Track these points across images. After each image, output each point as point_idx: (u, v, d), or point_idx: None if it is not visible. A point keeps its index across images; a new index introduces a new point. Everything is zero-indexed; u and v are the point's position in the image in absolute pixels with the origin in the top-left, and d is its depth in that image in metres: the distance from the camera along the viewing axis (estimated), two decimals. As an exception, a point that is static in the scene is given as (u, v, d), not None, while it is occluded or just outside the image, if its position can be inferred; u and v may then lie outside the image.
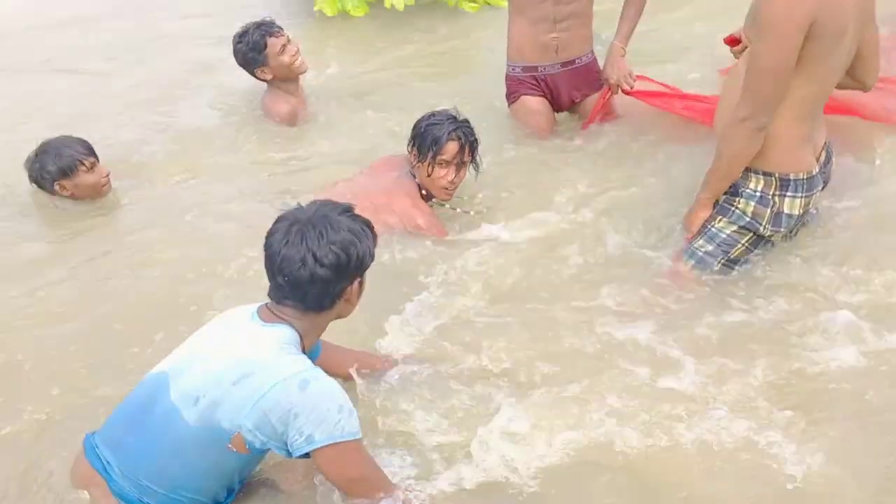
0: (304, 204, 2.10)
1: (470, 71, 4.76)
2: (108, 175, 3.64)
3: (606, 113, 3.80)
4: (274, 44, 3.97)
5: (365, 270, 2.11)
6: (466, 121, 3.19)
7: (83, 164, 3.53)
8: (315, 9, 5.61)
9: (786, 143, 2.57)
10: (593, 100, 3.83)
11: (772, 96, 2.44)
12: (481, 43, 5.16)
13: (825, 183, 2.82)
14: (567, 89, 3.79)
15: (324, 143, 4.03)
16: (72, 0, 6.86)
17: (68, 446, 2.21)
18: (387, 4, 5.46)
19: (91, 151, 3.59)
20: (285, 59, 3.99)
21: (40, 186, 3.58)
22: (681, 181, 3.27)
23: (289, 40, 4.05)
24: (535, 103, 3.78)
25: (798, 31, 2.32)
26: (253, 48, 3.96)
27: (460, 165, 3.19)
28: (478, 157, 3.25)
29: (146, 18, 6.19)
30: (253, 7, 5.96)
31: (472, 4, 5.58)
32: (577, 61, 3.74)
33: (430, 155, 3.11)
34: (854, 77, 2.70)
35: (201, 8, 6.29)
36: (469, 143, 3.17)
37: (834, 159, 2.87)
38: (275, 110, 4.10)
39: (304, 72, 4.16)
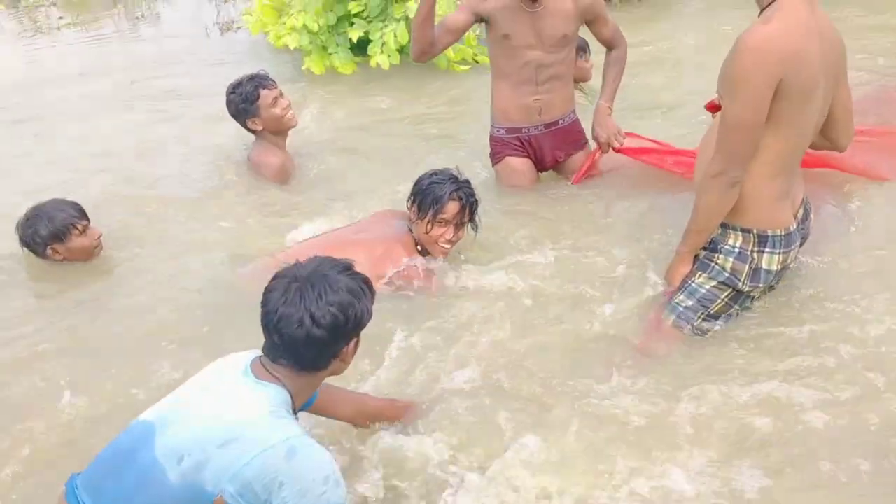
0: (302, 260, 2.06)
1: (457, 128, 4.80)
2: (100, 237, 3.60)
3: (591, 170, 3.83)
4: (266, 95, 4.02)
5: (362, 330, 2.07)
6: (467, 181, 3.21)
7: (76, 228, 3.48)
8: (303, 67, 5.71)
9: (763, 200, 2.60)
10: (577, 158, 3.86)
11: (743, 152, 2.47)
12: (468, 100, 5.23)
13: (804, 239, 2.86)
14: (550, 149, 3.82)
15: (313, 197, 4.03)
16: (56, 59, 7.02)
17: (53, 489, 2.18)
18: (372, 63, 5.57)
19: (83, 214, 3.55)
20: (277, 111, 4.05)
21: (32, 251, 3.53)
22: (665, 234, 3.30)
23: (281, 94, 4.10)
24: (518, 164, 3.82)
25: (766, 88, 2.35)
26: (245, 99, 4.01)
27: (459, 225, 3.19)
28: (477, 218, 3.26)
29: (133, 77, 6.29)
30: (241, 67, 6.11)
31: (464, 67, 5.69)
32: (560, 122, 3.78)
33: (430, 212, 3.12)
34: (827, 137, 2.74)
35: (188, 68, 6.39)
36: (469, 204, 3.19)
37: (812, 215, 2.91)
38: (265, 163, 4.13)
39: (294, 125, 4.19)
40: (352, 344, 2.05)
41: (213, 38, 7.22)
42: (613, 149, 3.65)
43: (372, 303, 2.07)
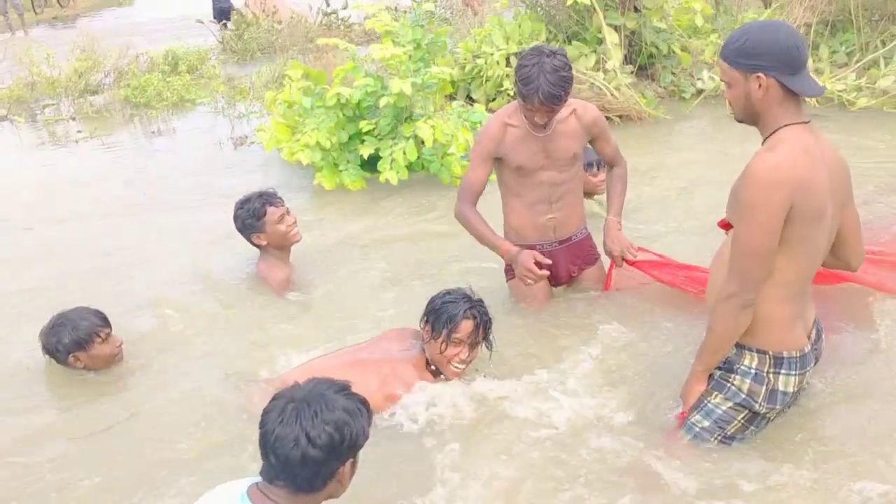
0: (300, 382, 2.10)
1: (464, 243, 4.88)
2: (121, 345, 3.65)
3: (607, 286, 3.86)
4: (273, 212, 4.13)
5: (358, 450, 2.08)
6: (481, 300, 3.21)
7: (99, 336, 3.54)
8: (314, 183, 5.86)
9: (778, 322, 2.62)
10: (590, 273, 3.91)
11: (756, 275, 2.51)
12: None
13: (816, 359, 2.88)
14: (565, 264, 3.86)
15: (322, 313, 4.08)
16: (72, 170, 7.23)
17: None
18: (381, 179, 5.72)
19: (106, 322, 3.61)
20: (282, 227, 4.15)
21: (54, 358, 3.57)
22: (679, 353, 3.32)
23: (287, 211, 4.22)
24: None
25: (778, 215, 2.40)
26: (252, 215, 4.12)
27: (474, 345, 3.18)
28: (491, 337, 3.25)
29: (146, 189, 6.46)
30: (253, 180, 6.28)
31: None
32: (573, 238, 3.84)
33: (444, 332, 3.09)
34: (839, 257, 2.79)
35: (201, 181, 6.55)
36: (483, 323, 3.18)
37: (824, 335, 2.94)
38: (271, 277, 4.21)
39: (298, 241, 4.29)
40: (348, 464, 2.05)
41: (227, 151, 7.43)
42: (627, 262, 3.69)
43: (369, 423, 2.09)
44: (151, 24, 15.83)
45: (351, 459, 2.06)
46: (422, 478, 2.82)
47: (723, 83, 2.62)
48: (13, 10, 17.23)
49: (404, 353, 3.23)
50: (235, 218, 4.20)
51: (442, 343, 3.12)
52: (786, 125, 2.48)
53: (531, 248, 3.76)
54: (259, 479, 2.08)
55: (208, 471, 2.92)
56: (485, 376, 3.31)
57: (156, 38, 13.28)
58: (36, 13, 19.19)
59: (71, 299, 3.84)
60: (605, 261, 3.87)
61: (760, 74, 2.44)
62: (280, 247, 4.24)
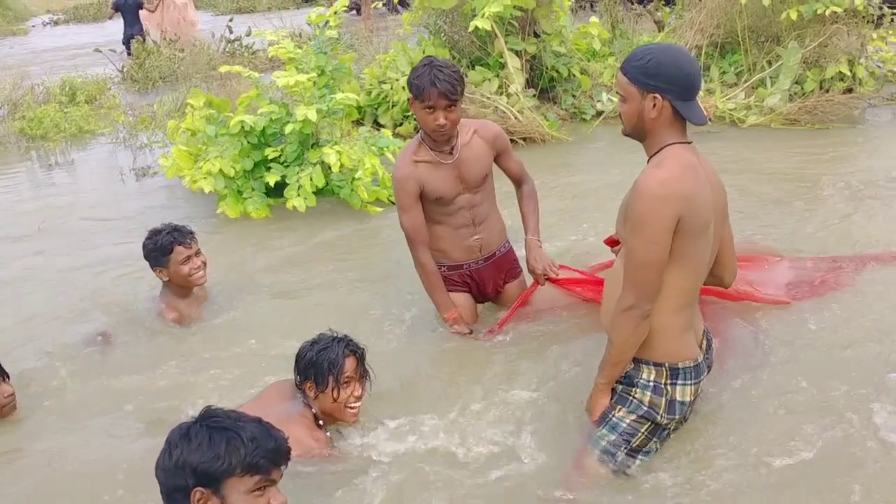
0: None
1: (373, 269, 4.89)
2: (12, 394, 3.47)
3: (523, 304, 3.89)
4: (179, 252, 4.03)
5: (203, 478, 2.04)
6: (347, 335, 3.16)
7: None
8: (218, 211, 5.78)
9: (670, 333, 2.72)
10: (513, 288, 3.97)
11: (651, 286, 2.60)
12: (384, 240, 5.34)
13: (709, 368, 2.99)
14: (492, 280, 3.93)
15: (224, 349, 3.99)
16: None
17: None
18: (289, 206, 5.68)
19: (0, 371, 3.45)
20: (185, 269, 4.06)
21: None
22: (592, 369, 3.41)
23: (197, 253, 4.12)
24: (460, 299, 3.88)
25: (667, 226, 2.51)
26: (159, 249, 4.02)
27: (361, 378, 3.13)
28: (367, 366, 3.19)
29: (41, 223, 6.24)
30: (160, 207, 6.14)
31: (377, 208, 5.84)
32: (497, 253, 3.91)
33: (331, 379, 3.01)
34: (713, 274, 2.90)
35: (101, 214, 6.39)
36: (361, 354, 3.14)
37: (714, 345, 3.06)
38: (167, 315, 4.15)
39: (200, 284, 4.21)
40: (198, 493, 2.04)
41: (129, 183, 7.25)
42: (549, 279, 3.76)
43: (225, 462, 2.03)
44: (47, 53, 15.34)
45: (197, 487, 2.05)
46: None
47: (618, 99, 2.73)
48: None
49: (290, 411, 3.06)
50: (143, 246, 4.10)
51: (333, 391, 3.03)
52: (670, 144, 2.61)
53: (458, 267, 3.86)
54: None
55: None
56: (380, 420, 3.28)
57: (52, 68, 12.88)
58: (-78, 44, 18.40)
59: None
60: (528, 278, 3.91)
61: (657, 95, 2.56)
62: (180, 286, 4.16)
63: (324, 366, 3.02)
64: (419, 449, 3.11)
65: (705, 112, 2.69)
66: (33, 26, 21.42)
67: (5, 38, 21.08)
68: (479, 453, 3.08)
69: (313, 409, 3.08)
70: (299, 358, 3.09)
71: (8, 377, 3.48)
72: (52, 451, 3.27)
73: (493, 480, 2.93)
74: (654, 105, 2.57)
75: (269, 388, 3.25)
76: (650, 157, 2.66)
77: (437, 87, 3.42)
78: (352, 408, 3.10)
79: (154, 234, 4.09)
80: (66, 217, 6.35)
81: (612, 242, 3.18)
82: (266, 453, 2.09)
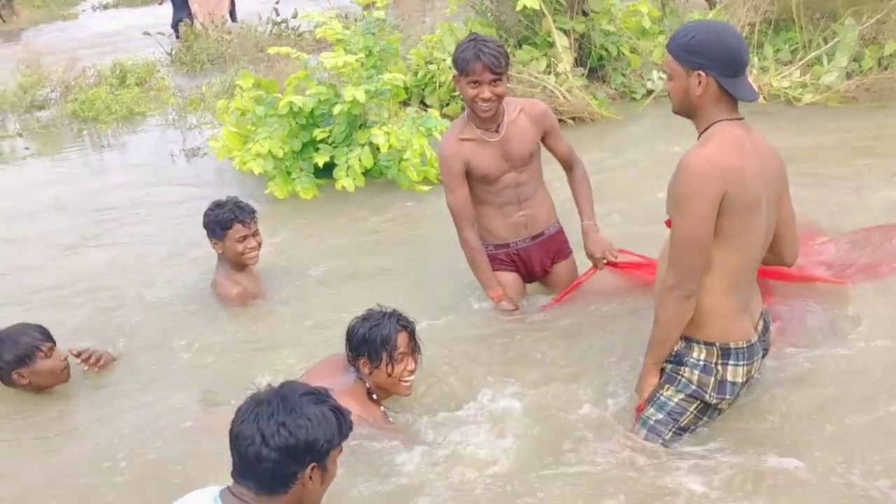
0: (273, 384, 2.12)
1: (422, 247, 4.90)
2: (66, 359, 3.56)
3: (574, 289, 3.84)
4: (238, 229, 4.07)
5: (323, 457, 2.05)
6: (395, 310, 3.17)
7: (41, 351, 3.46)
8: (266, 192, 5.82)
9: (722, 313, 2.68)
10: (562, 268, 3.94)
11: (694, 266, 2.57)
12: (433, 219, 5.31)
13: (765, 350, 2.95)
14: (539, 259, 3.90)
15: (280, 328, 4.04)
16: (21, 189, 7.07)
17: None
18: (338, 186, 5.70)
19: (48, 336, 3.53)
20: (239, 247, 4.10)
21: None
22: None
23: (255, 234, 4.15)
24: (507, 278, 3.87)
25: (710, 204, 2.48)
26: (218, 222, 4.07)
27: (414, 352, 3.16)
28: (418, 339, 3.21)
29: (97, 205, 6.35)
30: (207, 192, 6.21)
31: (425, 187, 5.84)
32: (545, 232, 3.88)
33: (384, 355, 3.03)
34: (774, 253, 2.86)
35: (154, 195, 6.47)
36: (412, 328, 3.16)
37: (772, 327, 3.00)
38: (224, 293, 4.17)
39: (252, 264, 4.24)
40: (309, 469, 2.03)
41: (179, 164, 7.34)
42: (608, 264, 3.72)
43: (339, 433, 2.07)
44: (97, 37, 15.56)
45: (314, 465, 2.04)
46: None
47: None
48: (-46, 27, 16.86)
49: (342, 387, 3.06)
50: (205, 215, 4.16)
51: (387, 366, 3.05)
52: (719, 121, 2.56)
53: (505, 245, 3.84)
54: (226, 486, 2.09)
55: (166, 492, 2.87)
56: (428, 399, 3.31)
57: (102, 51, 13.08)
58: (-22, 28, 18.76)
59: (23, 317, 3.76)
60: (583, 262, 3.87)
61: (701, 72, 2.52)
62: (233, 262, 4.19)
63: (377, 342, 3.04)
64: (466, 430, 3.12)
65: (758, 90, 2.63)
66: (83, 10, 21.68)
67: (56, 22, 21.45)
68: (525, 432, 3.08)
69: (367, 384, 3.11)
70: (351, 334, 3.11)
71: (54, 342, 3.55)
72: (105, 423, 3.35)
73: (538, 460, 2.93)
74: (699, 82, 2.54)
75: (323, 362, 3.30)
76: (699, 136, 2.62)
77: (481, 60, 3.40)
78: (405, 381, 3.12)
79: (217, 206, 4.14)
80: (119, 197, 6.45)
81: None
82: (351, 424, 2.16)
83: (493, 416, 3.18)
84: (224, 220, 4.06)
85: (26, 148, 8.45)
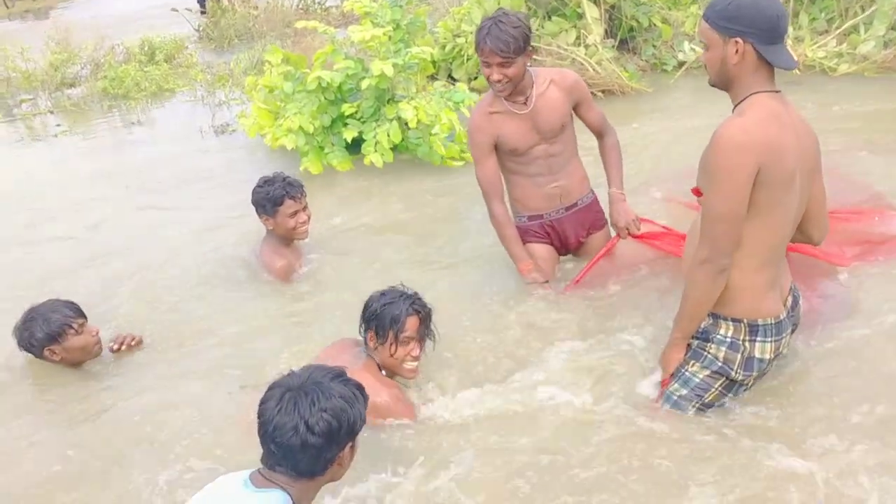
0: (295, 370, 2.14)
1: (453, 221, 4.89)
2: (97, 334, 3.61)
3: (604, 255, 3.82)
4: (289, 205, 4.13)
5: (356, 435, 2.12)
6: (417, 294, 3.17)
7: (71, 328, 3.50)
8: (301, 168, 5.82)
9: (751, 290, 2.65)
10: (597, 238, 3.91)
11: (727, 241, 2.53)
12: (465, 194, 5.29)
13: (794, 326, 2.91)
14: (573, 230, 3.89)
15: (319, 301, 4.06)
16: (53, 165, 7.14)
17: None
18: (366, 161, 5.69)
19: (79, 312, 3.58)
20: (290, 222, 4.16)
21: (30, 353, 3.54)
22: (664, 321, 3.32)
23: (304, 208, 4.21)
24: (540, 250, 3.87)
25: (745, 178, 2.43)
26: (270, 199, 4.11)
27: (422, 339, 3.14)
28: (432, 327, 3.21)
29: (128, 181, 6.39)
30: (238, 168, 6.22)
31: (456, 163, 5.82)
32: (579, 202, 3.86)
33: (391, 335, 3.03)
34: (802, 231, 2.81)
35: (185, 171, 6.51)
36: (426, 315, 3.14)
37: (801, 302, 2.96)
38: (270, 265, 4.21)
39: (303, 239, 4.32)
40: (347, 448, 2.10)
41: (209, 140, 7.36)
42: (631, 235, 3.71)
43: (365, 408, 2.13)
44: (125, 14, 15.61)
45: (350, 444, 2.10)
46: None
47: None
48: (-16, 5, 16.98)
49: (354, 362, 3.10)
50: (255, 192, 4.19)
51: (391, 346, 3.05)
52: (756, 93, 2.50)
53: (538, 217, 3.83)
54: (254, 470, 2.12)
55: (199, 471, 2.90)
56: (450, 375, 3.31)
57: (131, 28, 13.12)
58: (7, 7, 18.86)
59: (53, 293, 3.79)
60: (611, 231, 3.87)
61: (739, 40, 2.47)
62: (283, 237, 4.24)
63: (386, 320, 3.04)
64: (486, 403, 3.14)
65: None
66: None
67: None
68: (549, 407, 3.09)
69: (376, 360, 3.12)
70: (366, 307, 3.13)
71: (85, 318, 3.60)
72: (142, 398, 3.38)
73: (559, 437, 2.93)
74: (737, 50, 2.48)
75: (335, 344, 3.31)
76: (735, 107, 2.57)
77: (487, 43, 3.38)
78: (408, 365, 3.12)
79: (267, 183, 4.17)
80: (149, 174, 6.50)
81: (699, 192, 3.08)
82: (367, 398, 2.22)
83: (514, 391, 3.19)
84: (276, 196, 4.10)
85: (58, 125, 8.52)
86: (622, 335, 3.44)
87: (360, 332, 3.16)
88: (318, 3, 12.43)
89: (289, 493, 2.03)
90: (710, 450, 2.74)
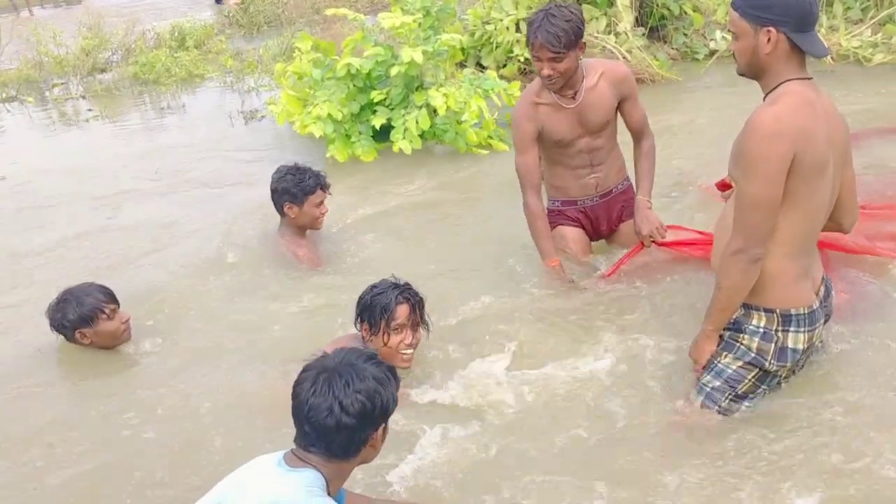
0: (328, 352, 2.16)
1: (479, 212, 4.88)
2: (128, 320, 3.65)
3: (626, 260, 3.78)
4: (319, 195, 4.21)
5: (389, 416, 2.14)
6: (408, 283, 3.17)
7: (103, 312, 3.54)
8: (327, 155, 5.85)
9: (784, 279, 2.62)
10: (629, 226, 3.83)
11: (762, 229, 2.50)
12: (491, 182, 5.33)
13: (827, 317, 2.88)
14: (606, 216, 3.88)
15: (346, 286, 4.03)
16: (84, 150, 7.22)
17: None
18: (395, 149, 5.70)
19: (112, 298, 3.61)
20: (316, 212, 4.22)
21: (62, 334, 3.59)
22: (691, 312, 3.31)
23: (326, 198, 4.29)
24: (571, 233, 3.85)
25: (780, 165, 2.40)
26: (302, 188, 4.15)
27: (415, 326, 3.15)
28: (426, 316, 3.21)
29: (158, 166, 6.44)
30: (267, 155, 6.26)
31: (484, 151, 5.82)
32: (614, 190, 3.85)
33: (382, 324, 3.06)
34: (832, 219, 2.77)
35: (214, 157, 6.56)
36: (417, 303, 3.15)
37: (833, 293, 2.93)
38: (296, 251, 4.26)
39: (319, 229, 4.38)
40: (380, 430, 2.12)
41: (238, 127, 7.40)
42: (655, 243, 3.66)
43: (397, 390, 2.14)
44: (158, 1, 15.73)
45: (382, 425, 2.13)
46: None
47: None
48: (17, -10, 17.14)
49: None
50: (282, 180, 4.20)
51: (384, 335, 3.07)
52: (788, 80, 2.47)
53: (572, 203, 3.83)
54: (287, 451, 2.14)
55: (228, 453, 2.92)
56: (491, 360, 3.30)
57: (161, 14, 13.21)
58: (40, -7, 19.06)
59: (86, 277, 3.85)
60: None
61: (771, 28, 2.43)
62: (302, 226, 4.29)
63: (376, 310, 3.07)
64: (499, 398, 3.12)
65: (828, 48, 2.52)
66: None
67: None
68: (577, 397, 3.08)
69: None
70: (359, 300, 3.16)
71: (118, 304, 3.63)
72: (168, 385, 3.40)
73: (589, 426, 2.92)
74: (769, 39, 2.44)
75: (338, 339, 3.28)
76: (766, 96, 2.53)
77: (538, 38, 3.34)
78: (404, 353, 3.13)
79: (298, 171, 4.20)
80: (179, 159, 6.56)
81: (724, 186, 3.06)
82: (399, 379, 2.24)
83: (538, 384, 3.16)
84: (308, 185, 4.16)
85: (89, 110, 8.62)
86: (647, 326, 3.41)
87: (355, 325, 3.18)
88: (347, -11, 12.44)
89: (322, 473, 2.06)
90: (739, 444, 2.73)
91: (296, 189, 4.15)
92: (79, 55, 10.21)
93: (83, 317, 3.52)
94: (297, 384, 2.09)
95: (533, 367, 3.25)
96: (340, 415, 2.00)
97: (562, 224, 3.86)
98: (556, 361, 3.27)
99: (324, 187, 4.22)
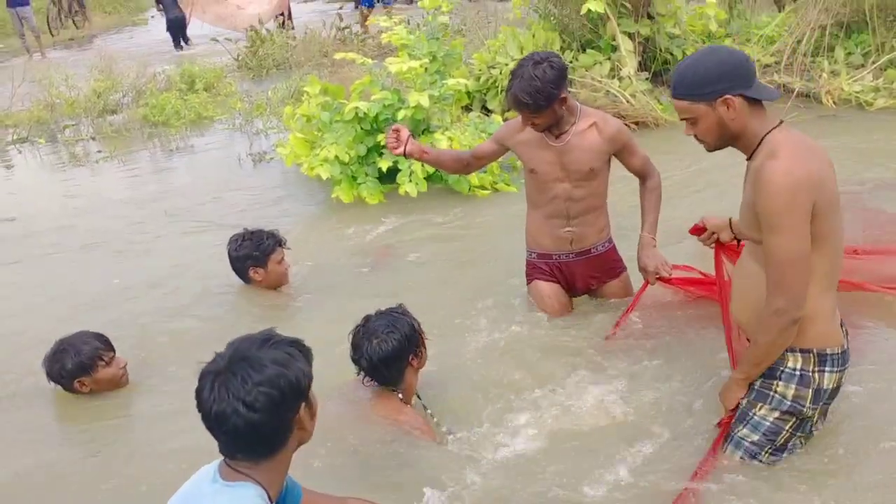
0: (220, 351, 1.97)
1: (481, 253, 4.91)
2: (125, 366, 3.64)
3: (635, 304, 3.71)
4: (279, 253, 4.32)
5: (305, 393, 1.96)
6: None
7: (102, 360, 3.53)
8: (332, 196, 5.90)
9: (820, 318, 2.58)
10: (613, 286, 3.83)
11: (801, 283, 2.47)
12: (491, 225, 5.38)
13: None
14: (582, 276, 3.80)
15: (326, 330, 4.00)
16: (93, 191, 7.29)
17: None
18: (401, 191, 5.76)
19: (108, 345, 3.60)
20: (280, 269, 4.35)
21: (59, 385, 3.57)
22: (698, 370, 3.30)
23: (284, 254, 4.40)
24: (546, 288, 3.81)
25: (805, 215, 2.40)
26: (262, 250, 4.26)
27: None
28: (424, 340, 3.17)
29: (166, 207, 6.50)
30: (276, 190, 6.30)
31: (485, 191, 5.87)
32: (592, 250, 3.76)
33: (419, 341, 3.09)
34: None
35: (223, 199, 6.62)
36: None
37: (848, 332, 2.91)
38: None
39: (286, 283, 4.47)
40: (302, 409, 1.96)
41: (246, 168, 7.49)
42: (660, 280, 3.58)
43: (308, 363, 1.98)
44: (167, 44, 15.97)
45: (302, 403, 1.96)
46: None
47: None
48: (30, 33, 17.42)
49: (370, 393, 3.09)
50: (239, 248, 4.28)
51: (424, 352, 3.12)
52: (769, 131, 2.50)
53: (547, 256, 3.77)
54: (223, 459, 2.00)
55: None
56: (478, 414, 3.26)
57: (172, 57, 13.41)
58: (52, 35, 19.36)
59: (82, 321, 3.85)
60: (638, 278, 3.74)
61: (727, 96, 2.45)
62: (272, 286, 4.38)
63: (413, 340, 3.06)
64: (523, 441, 3.09)
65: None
66: (152, 16, 22.28)
67: (126, 27, 22.07)
68: (599, 445, 3.03)
69: (405, 386, 3.08)
70: (375, 355, 3.02)
71: (114, 351, 3.63)
72: (164, 425, 3.37)
73: (609, 474, 2.88)
74: (729, 107, 2.46)
75: (349, 383, 3.21)
76: (751, 155, 2.54)
77: (509, 99, 3.42)
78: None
79: (254, 235, 4.30)
80: (187, 200, 6.62)
81: (698, 231, 3.14)
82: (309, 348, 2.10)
83: (552, 430, 3.14)
84: (268, 245, 4.27)
85: (99, 151, 8.73)
86: (659, 373, 3.39)
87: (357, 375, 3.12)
88: (355, 34, 12.63)
89: (258, 482, 1.92)
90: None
91: (257, 252, 4.25)
92: (90, 97, 10.36)
93: (82, 366, 3.49)
94: (197, 394, 1.91)
95: (520, 408, 3.25)
96: (248, 415, 1.83)
97: (537, 278, 3.82)
98: (574, 401, 3.27)
99: (282, 244, 4.33)
